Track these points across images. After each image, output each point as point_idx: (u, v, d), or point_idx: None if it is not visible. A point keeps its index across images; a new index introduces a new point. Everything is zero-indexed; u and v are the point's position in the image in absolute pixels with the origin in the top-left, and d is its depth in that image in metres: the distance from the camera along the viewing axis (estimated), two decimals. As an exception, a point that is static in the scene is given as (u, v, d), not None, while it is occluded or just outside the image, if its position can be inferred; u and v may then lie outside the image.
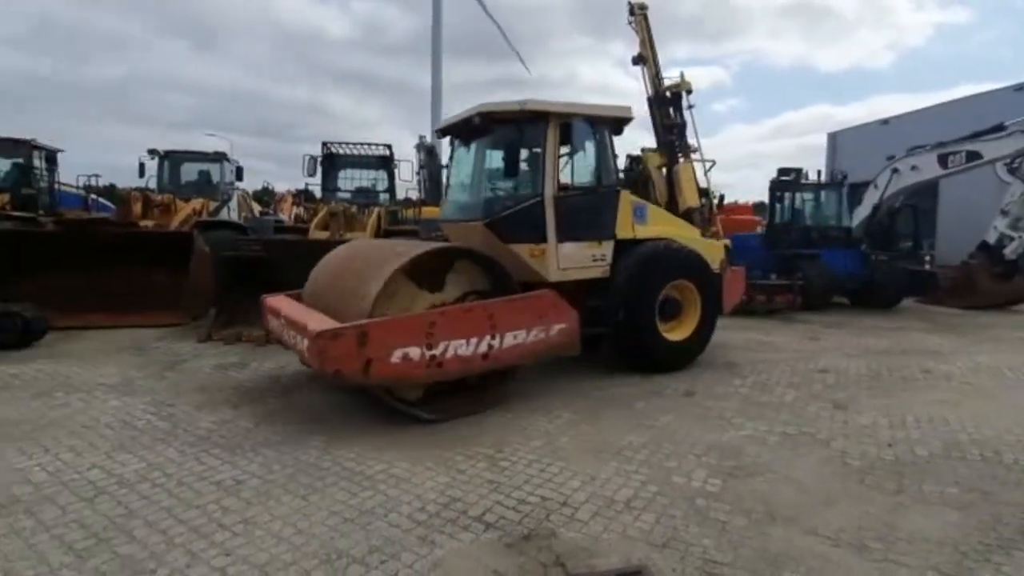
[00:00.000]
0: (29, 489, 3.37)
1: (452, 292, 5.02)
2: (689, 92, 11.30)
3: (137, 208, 12.41)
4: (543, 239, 5.64)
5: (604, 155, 6.24)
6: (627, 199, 6.29)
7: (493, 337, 4.73)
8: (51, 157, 12.16)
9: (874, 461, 3.91)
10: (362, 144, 12.74)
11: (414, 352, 4.38)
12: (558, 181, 5.77)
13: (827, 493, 3.44)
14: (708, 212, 11.54)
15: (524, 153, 6.05)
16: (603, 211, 6.09)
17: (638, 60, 11.59)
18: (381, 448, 4.04)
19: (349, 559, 2.71)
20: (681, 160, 11.14)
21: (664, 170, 11.37)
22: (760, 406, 5.15)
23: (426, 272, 4.89)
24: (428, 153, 17.71)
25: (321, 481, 3.52)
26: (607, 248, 6.05)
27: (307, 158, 12.27)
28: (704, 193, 11.74)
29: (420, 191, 16.14)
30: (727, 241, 7.88)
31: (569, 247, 5.78)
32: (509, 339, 4.81)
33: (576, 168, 6.51)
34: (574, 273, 5.84)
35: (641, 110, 11.76)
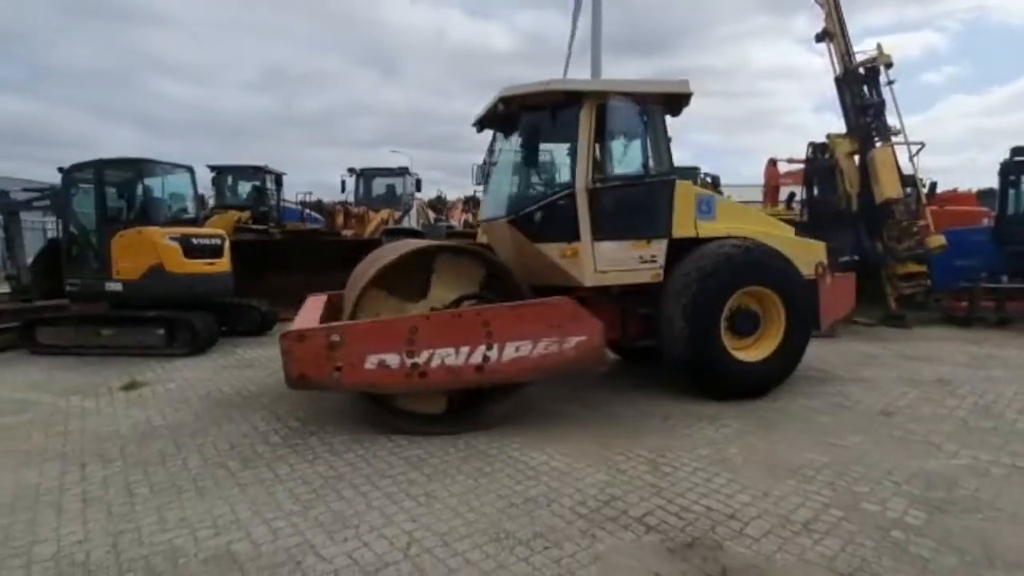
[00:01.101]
0: (268, 449, 4.17)
1: (444, 296, 4.65)
2: (888, 66, 9.88)
3: (340, 219, 14.52)
4: (575, 237, 4.92)
5: (654, 139, 5.29)
6: (687, 191, 5.33)
7: (489, 347, 4.25)
8: (278, 179, 14.71)
9: None
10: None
11: (392, 359, 4.08)
12: (593, 170, 4.99)
13: (1080, 546, 2.79)
14: (915, 203, 9.97)
15: (555, 140, 5.37)
16: (653, 205, 5.19)
17: (823, 36, 10.41)
18: (542, 441, 4.22)
19: (515, 540, 2.90)
20: (878, 144, 9.77)
21: (856, 157, 10.09)
22: (982, 432, 4.33)
23: (403, 280, 4.59)
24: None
25: (490, 466, 3.80)
26: (658, 248, 5.13)
27: (475, 167, 13.18)
28: (909, 181, 10.15)
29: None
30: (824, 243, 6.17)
31: (609, 246, 4.99)
32: (510, 350, 4.28)
33: (620, 155, 5.69)
34: (616, 277, 5.07)
35: (827, 91, 10.56)
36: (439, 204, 26.04)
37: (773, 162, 17.07)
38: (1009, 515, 3.06)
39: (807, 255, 5.71)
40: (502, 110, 5.26)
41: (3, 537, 2.97)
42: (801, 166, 13.48)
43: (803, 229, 10.71)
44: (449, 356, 4.22)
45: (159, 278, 7.49)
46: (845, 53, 10.14)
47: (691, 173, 13.93)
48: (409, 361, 4.16)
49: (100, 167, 7.86)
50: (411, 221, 16.86)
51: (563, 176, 5.22)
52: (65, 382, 6.17)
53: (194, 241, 7.91)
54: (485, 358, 4.27)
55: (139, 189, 8.03)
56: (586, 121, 4.95)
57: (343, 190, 16.29)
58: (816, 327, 5.61)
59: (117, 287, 7.65)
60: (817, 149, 11.35)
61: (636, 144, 5.46)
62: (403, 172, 17.55)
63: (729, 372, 5.09)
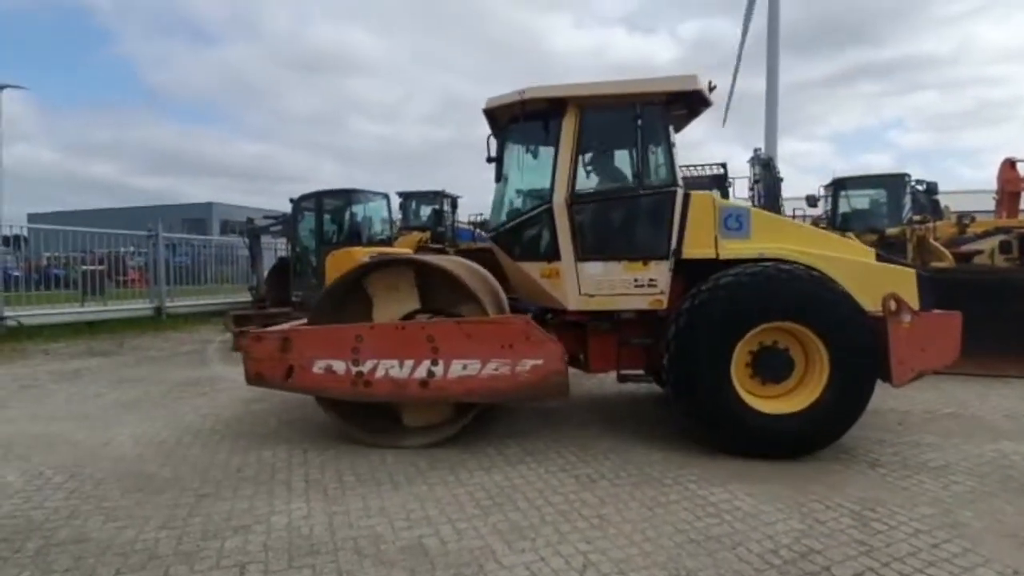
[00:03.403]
0: (448, 452, 4.48)
1: (408, 308, 4.63)
2: None
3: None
4: (556, 256, 4.51)
5: (652, 146, 4.64)
6: (703, 203, 4.51)
7: (434, 363, 4.19)
8: (454, 203, 16.01)
9: None
10: (693, 166, 12.74)
11: (338, 365, 4.21)
12: (575, 183, 4.50)
13: None
14: None
15: (539, 150, 4.90)
16: (649, 220, 4.57)
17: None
18: (722, 476, 3.93)
19: (698, 581, 2.73)
20: None
21: None
22: None
23: (386, 289, 4.66)
24: (764, 166, 16.53)
25: (664, 497, 3.64)
26: (658, 271, 4.45)
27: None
28: None
29: (755, 206, 15.18)
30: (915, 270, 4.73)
31: (595, 267, 4.49)
32: (456, 368, 4.17)
33: (608, 165, 5.04)
34: (605, 301, 4.52)
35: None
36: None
37: (1011, 163, 14.18)
38: None
39: (876, 284, 4.37)
40: (490, 124, 5.03)
41: (249, 506, 3.59)
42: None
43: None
44: (393, 368, 4.27)
45: (359, 291, 8.58)
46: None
47: (897, 181, 12.06)
48: (354, 369, 4.29)
49: (320, 197, 9.32)
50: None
51: (543, 190, 4.72)
52: (289, 378, 7.32)
53: (387, 259, 8.93)
54: (430, 373, 4.25)
55: (347, 214, 9.34)
56: (569, 129, 4.54)
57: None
58: (885, 378, 4.23)
59: (328, 299, 8.93)
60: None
61: (630, 152, 4.75)
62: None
63: (740, 426, 4.17)
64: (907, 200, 11.68)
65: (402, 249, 10.09)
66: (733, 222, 4.56)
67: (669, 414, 5.29)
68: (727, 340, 4.19)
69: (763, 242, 4.51)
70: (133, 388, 6.87)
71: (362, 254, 8.72)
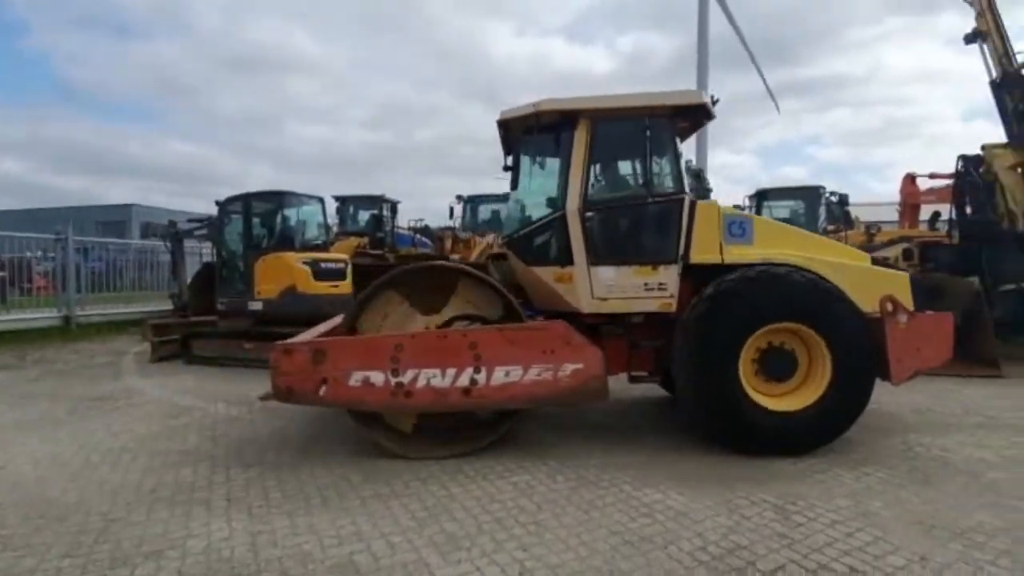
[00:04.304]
0: (386, 463, 4.34)
1: (443, 315, 4.57)
2: (1060, 66, 8.56)
3: (448, 244, 15.15)
4: (569, 261, 4.65)
5: (659, 156, 4.85)
6: (709, 211, 4.71)
7: (477, 371, 4.13)
8: (393, 207, 15.72)
9: None
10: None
11: (377, 377, 4.04)
12: (587, 191, 4.70)
13: None
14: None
15: (552, 160, 5.08)
16: (659, 227, 4.75)
17: (974, 37, 9.33)
18: (656, 476, 4.02)
19: (631, 582, 2.75)
20: (1051, 156, 8.46)
21: (1021, 170, 8.80)
22: None
23: (422, 291, 4.55)
24: (695, 177, 17.27)
25: (601, 500, 3.67)
26: (668, 275, 4.63)
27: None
28: (1095, 198, 8.63)
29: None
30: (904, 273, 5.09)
31: (608, 272, 4.64)
32: (499, 375, 4.13)
33: (619, 175, 5.33)
34: (617, 304, 4.67)
35: (979, 96, 9.37)
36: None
37: (912, 178, 15.41)
38: None
39: (873, 287, 4.63)
40: (503, 135, 5.21)
41: (164, 529, 3.34)
42: (945, 182, 12.05)
43: (954, 253, 9.55)
44: (435, 377, 4.16)
45: (292, 298, 8.25)
46: (1003, 54, 9.01)
47: (814, 192, 12.92)
48: (394, 380, 4.15)
49: (249, 199, 8.88)
50: (516, 246, 17.21)
51: (557, 198, 4.91)
52: (214, 390, 6.92)
53: (322, 265, 8.65)
54: (473, 381, 4.18)
55: (279, 218, 8.95)
56: (581, 140, 4.71)
57: (451, 216, 17.05)
58: (884, 377, 4.50)
59: (258, 306, 8.53)
60: (970, 162, 10.05)
61: (639, 162, 5.02)
62: (507, 198, 18.03)
63: (748, 422, 4.34)
64: (822, 210, 12.54)
65: (341, 255, 9.81)
66: (737, 228, 4.75)
67: (611, 416, 5.38)
68: (736, 340, 4.37)
69: (766, 248, 4.71)
70: (35, 405, 6.28)
71: (295, 259, 8.44)
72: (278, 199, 8.98)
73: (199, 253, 13.26)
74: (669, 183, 4.85)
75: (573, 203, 4.65)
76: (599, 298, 4.68)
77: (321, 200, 9.73)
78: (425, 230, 18.02)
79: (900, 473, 4.07)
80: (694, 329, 4.40)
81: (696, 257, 4.66)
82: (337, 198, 15.78)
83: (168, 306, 11.39)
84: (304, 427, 5.34)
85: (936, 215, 13.89)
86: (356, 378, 4.16)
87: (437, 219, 18.55)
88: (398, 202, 16.00)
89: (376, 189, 16.51)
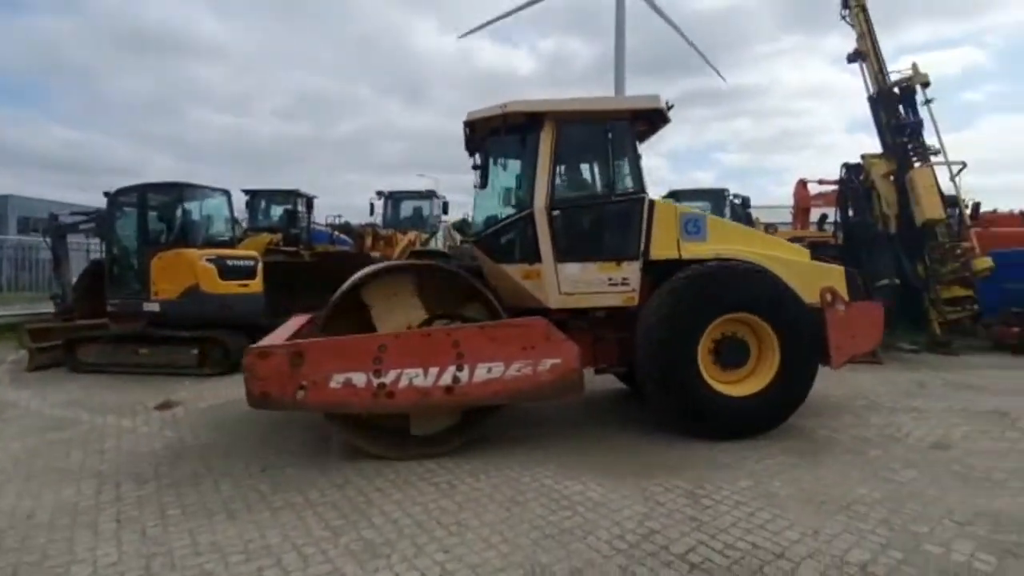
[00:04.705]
0: (298, 471, 4.14)
1: (418, 315, 4.57)
2: (925, 85, 9.66)
3: (368, 241, 14.72)
4: (537, 258, 4.80)
5: (621, 157, 5.09)
6: (667, 210, 5.04)
7: (460, 368, 4.13)
8: (309, 203, 15.00)
9: None
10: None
11: (358, 378, 3.98)
12: (554, 190, 4.85)
13: None
14: (958, 224, 9.61)
15: (518, 160, 5.28)
16: (621, 225, 4.97)
17: (855, 56, 10.28)
18: (576, 469, 4.10)
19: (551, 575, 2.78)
20: (917, 165, 9.50)
21: (893, 178, 9.81)
22: (1051, 470, 4.04)
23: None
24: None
25: (522, 496, 3.69)
26: (630, 270, 4.86)
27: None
28: (951, 202, 9.80)
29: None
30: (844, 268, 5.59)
31: (573, 268, 4.82)
32: (481, 372, 4.15)
33: (583, 175, 5.60)
34: (583, 299, 4.87)
35: (860, 110, 10.37)
36: (465, 226, 26.33)
37: (803, 183, 16.78)
38: (1093, 563, 2.82)
39: (814, 280, 5.08)
40: (469, 134, 5.29)
41: (40, 557, 2.98)
42: (832, 187, 13.22)
43: (838, 252, 10.50)
44: (418, 376, 4.12)
45: (195, 298, 7.65)
46: (879, 72, 9.98)
47: (719, 194, 13.77)
48: (376, 381, 4.07)
49: (143, 191, 8.13)
50: (438, 243, 17.04)
51: (524, 197, 5.04)
52: (102, 400, 6.28)
53: (229, 263, 8.09)
54: (455, 379, 4.17)
55: (178, 212, 8.27)
56: (547, 141, 4.85)
57: (372, 212, 16.61)
58: (825, 362, 4.95)
59: (155, 307, 7.83)
60: (851, 170, 11.10)
61: (601, 163, 5.26)
62: (430, 195, 17.83)
63: (710, 408, 4.62)
64: (727, 211, 13.38)
65: (250, 252, 9.23)
66: (692, 226, 5.06)
67: (542, 410, 5.42)
68: (695, 330, 4.64)
69: (718, 244, 5.04)
70: None
71: (197, 256, 7.83)
72: (178, 191, 8.29)
73: (86, 249, 12.02)
74: (630, 183, 5.06)
75: (540, 202, 4.78)
76: (566, 293, 4.83)
77: (227, 193, 9.09)
78: (345, 227, 17.41)
79: (796, 453, 4.40)
80: (656, 321, 4.62)
81: (656, 253, 4.92)
82: (247, 192, 14.88)
83: (49, 308, 10.24)
84: (205, 437, 4.97)
85: (824, 217, 15.22)
86: (337, 380, 4.02)
87: (358, 216, 17.99)
88: (314, 197, 15.30)
89: (292, 183, 15.73)
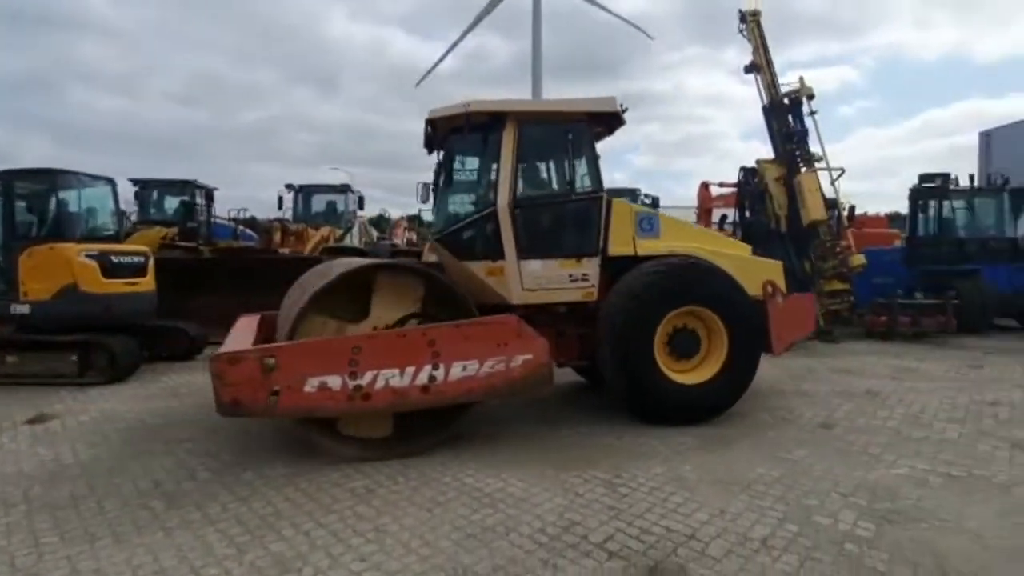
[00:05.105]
0: (195, 486, 3.81)
1: (385, 316, 4.46)
2: (811, 97, 10.58)
3: (277, 237, 13.89)
4: (500, 255, 4.90)
5: (580, 158, 5.24)
6: (624, 209, 5.26)
7: (435, 367, 4.10)
8: (209, 194, 13.95)
9: (1074, 516, 3.28)
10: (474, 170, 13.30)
11: (334, 381, 3.88)
12: (516, 189, 4.95)
13: (1014, 548, 2.93)
14: (837, 225, 10.65)
15: (480, 159, 5.41)
16: (580, 223, 5.14)
17: (751, 68, 11.06)
18: (497, 466, 4.09)
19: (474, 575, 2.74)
20: (803, 170, 10.41)
21: (783, 181, 10.69)
22: (915, 442, 4.56)
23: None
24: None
25: (443, 496, 3.63)
26: (590, 266, 5.06)
27: (420, 185, 13.00)
28: (831, 204, 10.84)
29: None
30: (777, 262, 6.05)
31: (535, 265, 4.95)
32: (456, 370, 4.14)
33: (544, 174, 5.80)
34: (544, 295, 5.00)
35: (754, 119, 11.23)
36: (382, 223, 25.60)
37: (705, 185, 17.87)
38: (953, 525, 3.19)
39: (756, 274, 5.48)
40: (430, 132, 5.33)
41: None
42: (731, 190, 14.20)
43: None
44: (394, 377, 4.05)
45: (73, 299, 6.84)
46: (771, 84, 10.80)
47: (631, 194, 14.37)
48: (352, 383, 3.96)
49: (8, 178, 7.16)
50: (353, 239, 16.42)
51: (487, 195, 5.14)
52: (-44, 417, 5.46)
53: (114, 259, 7.32)
54: (431, 378, 4.13)
55: (52, 202, 7.35)
56: (509, 141, 4.96)
57: (280, 207, 15.70)
58: (767, 350, 5.38)
59: (24, 309, 6.93)
60: (748, 173, 11.99)
61: (561, 163, 5.39)
62: (345, 189, 17.12)
63: (666, 396, 4.88)
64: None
65: (140, 247, 8.40)
66: (646, 224, 5.29)
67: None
68: (653, 322, 4.86)
69: (670, 241, 5.30)
70: None
71: (75, 252, 7.01)
72: (50, 179, 7.35)
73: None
74: (589, 182, 5.24)
75: (504, 200, 4.88)
76: (528, 290, 4.95)
77: (112, 182, 8.21)
78: (251, 221, 16.32)
79: (704, 438, 4.65)
80: (618, 314, 4.82)
81: (613, 250, 5.12)
82: (136, 181, 13.55)
83: None
84: (86, 454, 4.45)
85: (724, 217, 16.29)
86: (312, 384, 3.87)
87: (266, 210, 16.91)
88: (214, 188, 14.25)
89: (191, 173, 14.47)
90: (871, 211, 19.53)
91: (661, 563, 2.84)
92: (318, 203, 16.92)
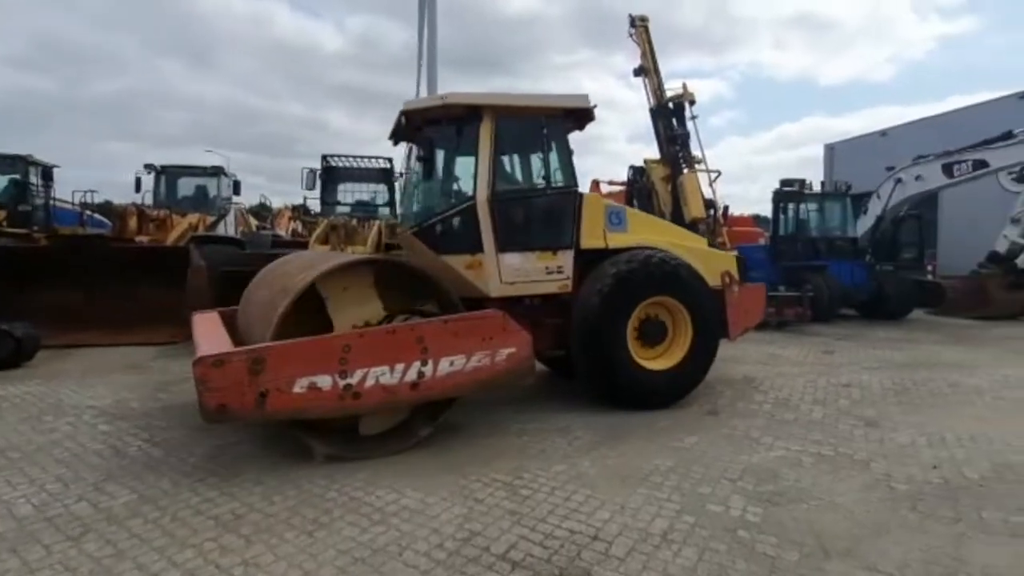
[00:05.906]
0: (13, 525, 3.08)
1: (376, 311, 4.39)
2: (692, 103, 11.22)
3: (132, 223, 12.18)
4: (479, 249, 4.95)
5: (555, 152, 5.37)
6: (594, 203, 5.48)
7: (424, 363, 4.09)
8: (47, 173, 11.92)
9: (922, 485, 3.64)
10: (362, 157, 12.60)
11: (324, 381, 3.79)
12: (494, 183, 5.02)
13: (878, 522, 3.17)
14: (714, 223, 11.45)
15: (457, 152, 5.42)
16: (556, 216, 5.28)
17: (639, 72, 11.53)
18: (389, 475, 3.77)
19: (363, 607, 2.43)
20: (685, 171, 11.05)
21: (667, 180, 11.30)
22: (787, 424, 4.90)
23: (352, 287, 4.30)
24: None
25: (327, 515, 3.24)
26: (565, 259, 5.21)
27: (306, 171, 12.08)
28: (710, 204, 11.65)
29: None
30: (736, 253, 6.84)
31: (514, 258, 5.04)
32: (444, 366, 4.14)
33: (521, 168, 5.91)
34: (523, 288, 5.10)
35: (644, 121, 11.77)
36: (263, 211, 23.59)
37: (596, 183, 18.56)
38: (827, 503, 3.39)
39: (715, 265, 5.85)
40: (404, 124, 5.31)
41: None
42: (620, 188, 14.81)
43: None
44: (384, 375, 3.97)
45: None
46: (657, 88, 11.33)
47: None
48: (342, 382, 3.85)
49: None
50: (228, 228, 14.88)
51: (465, 188, 5.22)
52: None
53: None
54: (420, 374, 4.09)
55: None
56: (486, 134, 5.02)
57: (138, 189, 13.82)
58: (725, 336, 5.82)
59: None
60: (637, 172, 12.53)
61: (537, 157, 5.52)
62: (217, 172, 15.43)
63: (637, 382, 5.15)
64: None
65: None
66: (615, 218, 5.51)
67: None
68: (626, 311, 5.08)
69: (638, 234, 5.54)
70: None
71: None
72: None
73: None
74: (563, 177, 5.37)
75: (483, 194, 4.92)
76: (507, 282, 5.03)
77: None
78: (104, 206, 14.17)
79: (599, 432, 4.65)
80: (593, 305, 4.99)
81: (586, 243, 5.28)
82: (-57, 156, 11.23)
83: None
84: None
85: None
86: (301, 384, 3.73)
87: (124, 194, 14.80)
88: (53, 166, 12.20)
89: (32, 149, 12.17)
90: (737, 213, 21.50)
91: (566, 570, 2.71)
92: (185, 187, 15.09)
